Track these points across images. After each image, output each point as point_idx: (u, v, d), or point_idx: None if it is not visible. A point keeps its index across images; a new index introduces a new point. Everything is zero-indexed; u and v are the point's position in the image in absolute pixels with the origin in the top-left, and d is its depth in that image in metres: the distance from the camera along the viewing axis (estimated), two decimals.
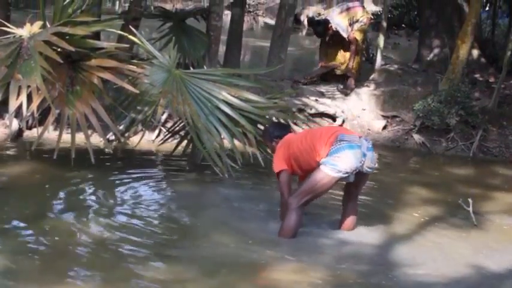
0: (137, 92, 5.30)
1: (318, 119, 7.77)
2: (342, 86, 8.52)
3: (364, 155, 4.27)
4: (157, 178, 5.70)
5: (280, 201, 4.57)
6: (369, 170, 4.37)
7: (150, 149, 6.55)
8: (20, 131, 6.39)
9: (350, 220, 4.61)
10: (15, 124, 6.26)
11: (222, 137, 5.52)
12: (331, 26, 8.54)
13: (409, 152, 7.71)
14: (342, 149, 4.21)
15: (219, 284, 3.72)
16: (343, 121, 7.90)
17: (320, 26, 8.72)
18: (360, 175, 4.37)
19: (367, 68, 9.60)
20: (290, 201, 4.33)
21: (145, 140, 6.36)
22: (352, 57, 8.57)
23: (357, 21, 8.46)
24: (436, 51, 9.96)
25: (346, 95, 8.38)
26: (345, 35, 8.45)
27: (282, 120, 6.26)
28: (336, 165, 4.19)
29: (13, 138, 6.26)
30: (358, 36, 8.54)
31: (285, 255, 4.17)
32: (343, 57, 8.77)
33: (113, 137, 6.02)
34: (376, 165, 4.47)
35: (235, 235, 4.41)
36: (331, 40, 8.75)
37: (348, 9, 8.59)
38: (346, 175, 4.26)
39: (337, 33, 8.58)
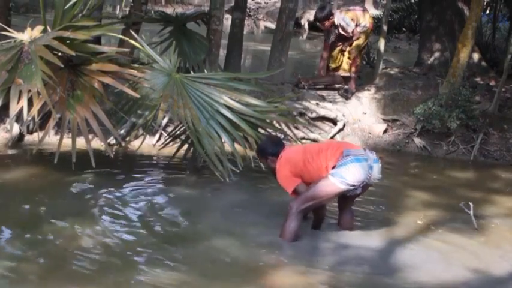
0: (138, 96, 5.30)
1: (318, 123, 7.77)
2: (342, 90, 8.51)
3: (371, 168, 4.31)
4: (158, 182, 5.70)
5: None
6: (375, 181, 4.42)
7: (151, 153, 6.55)
8: (20, 136, 6.38)
9: (349, 221, 4.67)
10: (16, 128, 6.26)
11: (223, 141, 5.52)
12: (332, 19, 8.38)
13: (410, 156, 7.70)
14: (350, 162, 4.25)
15: None
16: (344, 125, 7.90)
17: (325, 11, 8.51)
18: (365, 186, 4.41)
19: (367, 71, 9.60)
20: (291, 205, 4.33)
21: (146, 144, 6.36)
22: (353, 50, 8.49)
23: (359, 24, 8.43)
24: (436, 54, 9.95)
25: (347, 98, 8.38)
26: (349, 29, 8.35)
27: (283, 125, 6.27)
28: (345, 177, 4.22)
29: (14, 142, 6.26)
30: (361, 39, 8.51)
31: (285, 259, 4.18)
32: (346, 62, 8.72)
33: (113, 141, 6.02)
34: (381, 176, 4.47)
35: (236, 239, 4.41)
36: (335, 42, 8.67)
37: (348, 10, 8.57)
38: (353, 187, 4.28)
39: (340, 35, 8.49)
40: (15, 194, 4.95)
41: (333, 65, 8.77)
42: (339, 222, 4.68)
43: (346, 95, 8.39)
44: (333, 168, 4.27)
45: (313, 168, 4.35)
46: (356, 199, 4.72)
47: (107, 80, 5.17)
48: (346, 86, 8.57)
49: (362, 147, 4.52)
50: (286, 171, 4.42)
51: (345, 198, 4.59)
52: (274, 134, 5.98)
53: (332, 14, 8.40)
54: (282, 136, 6.25)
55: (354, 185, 4.27)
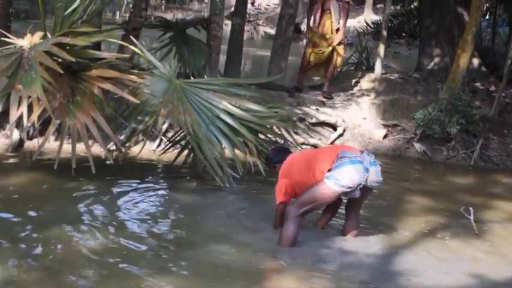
0: (138, 102, 5.31)
1: (318, 128, 7.77)
2: (326, 93, 8.55)
3: (367, 170, 4.27)
4: (158, 188, 5.70)
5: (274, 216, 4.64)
6: (374, 184, 4.38)
7: (151, 159, 6.55)
8: (20, 142, 6.37)
9: (353, 228, 4.65)
10: (16, 134, 6.25)
11: (223, 146, 5.52)
12: None
13: (410, 161, 7.70)
14: (344, 164, 4.23)
15: None
16: (344, 130, 7.90)
17: None
18: (365, 189, 4.38)
19: (366, 75, 9.60)
20: (289, 209, 4.34)
21: (146, 150, 6.36)
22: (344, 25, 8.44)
23: None
24: (436, 60, 9.97)
25: (330, 98, 8.41)
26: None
27: (283, 130, 6.28)
28: (339, 179, 4.21)
29: (14, 148, 6.25)
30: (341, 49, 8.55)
31: (285, 264, 4.17)
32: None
33: (113, 147, 6.02)
34: (381, 179, 4.44)
35: (236, 245, 4.40)
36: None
37: None
38: (349, 190, 4.27)
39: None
40: (15, 200, 4.94)
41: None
42: (343, 231, 4.66)
43: (330, 96, 8.45)
44: (329, 170, 4.27)
45: (309, 178, 4.36)
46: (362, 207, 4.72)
47: (107, 85, 5.18)
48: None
49: (360, 150, 4.49)
50: (282, 184, 4.50)
51: (349, 205, 4.59)
52: (275, 140, 5.98)
53: None
54: (282, 141, 6.25)
55: (349, 187, 4.25)
